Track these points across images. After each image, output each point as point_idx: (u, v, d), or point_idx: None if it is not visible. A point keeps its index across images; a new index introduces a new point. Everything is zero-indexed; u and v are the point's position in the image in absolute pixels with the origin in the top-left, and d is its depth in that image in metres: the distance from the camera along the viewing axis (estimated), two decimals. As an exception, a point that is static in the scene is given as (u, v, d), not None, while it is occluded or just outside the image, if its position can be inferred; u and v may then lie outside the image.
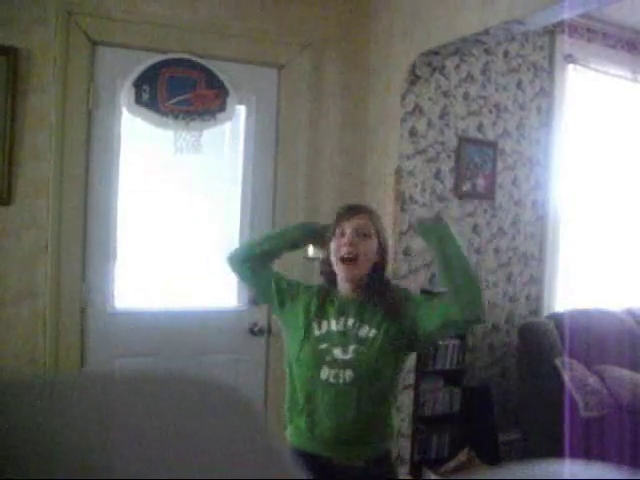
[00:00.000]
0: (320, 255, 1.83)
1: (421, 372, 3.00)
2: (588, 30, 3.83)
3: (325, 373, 1.63)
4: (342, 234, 1.67)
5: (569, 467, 0.34)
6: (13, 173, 2.30)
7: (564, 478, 0.33)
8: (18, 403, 0.30)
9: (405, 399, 2.77)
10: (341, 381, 1.62)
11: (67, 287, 2.40)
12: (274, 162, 2.75)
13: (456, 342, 3.19)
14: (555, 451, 2.74)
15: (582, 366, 3.04)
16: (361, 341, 1.64)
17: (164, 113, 2.48)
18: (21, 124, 2.30)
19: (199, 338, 2.62)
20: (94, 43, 2.42)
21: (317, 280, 1.85)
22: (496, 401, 3.55)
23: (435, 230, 1.64)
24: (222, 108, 2.58)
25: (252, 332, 2.70)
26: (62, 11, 2.33)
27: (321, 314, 1.69)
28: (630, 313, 3.55)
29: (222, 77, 2.59)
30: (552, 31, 3.71)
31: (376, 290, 1.70)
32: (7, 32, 2.27)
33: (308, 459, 1.66)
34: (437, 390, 3.17)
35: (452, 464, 2.97)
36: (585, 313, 3.35)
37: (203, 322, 2.64)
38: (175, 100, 2.49)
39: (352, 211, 1.71)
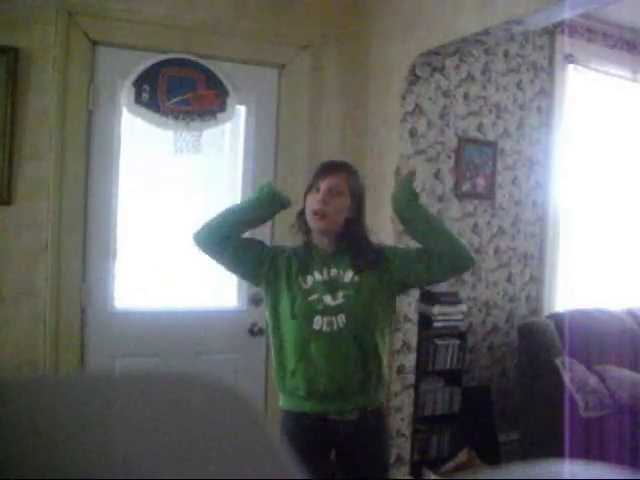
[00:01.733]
0: None
1: (421, 372, 3.00)
2: (588, 30, 3.83)
3: (318, 323, 1.68)
4: (317, 190, 1.73)
5: (569, 467, 0.34)
6: (13, 173, 2.30)
7: (564, 478, 0.33)
8: (18, 403, 0.30)
9: (405, 399, 2.77)
10: (335, 327, 1.68)
11: (67, 287, 2.40)
12: (274, 162, 2.75)
13: (456, 342, 3.19)
14: (555, 451, 2.73)
15: (582, 366, 3.04)
16: (347, 286, 1.71)
17: (164, 113, 2.48)
18: (21, 124, 2.31)
19: (199, 338, 2.62)
20: (94, 43, 2.42)
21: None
22: (496, 401, 3.55)
23: (417, 207, 1.75)
24: (222, 108, 2.58)
25: (252, 332, 2.70)
26: (62, 11, 2.33)
27: (304, 270, 1.74)
28: (630, 313, 3.55)
29: (222, 77, 2.59)
30: (552, 31, 3.71)
31: (349, 243, 1.76)
32: (7, 32, 2.27)
33: (303, 420, 1.72)
34: (437, 390, 3.17)
35: (452, 464, 2.97)
36: (585, 313, 3.35)
37: (203, 322, 2.64)
38: (175, 100, 2.49)
39: (329, 169, 1.77)
